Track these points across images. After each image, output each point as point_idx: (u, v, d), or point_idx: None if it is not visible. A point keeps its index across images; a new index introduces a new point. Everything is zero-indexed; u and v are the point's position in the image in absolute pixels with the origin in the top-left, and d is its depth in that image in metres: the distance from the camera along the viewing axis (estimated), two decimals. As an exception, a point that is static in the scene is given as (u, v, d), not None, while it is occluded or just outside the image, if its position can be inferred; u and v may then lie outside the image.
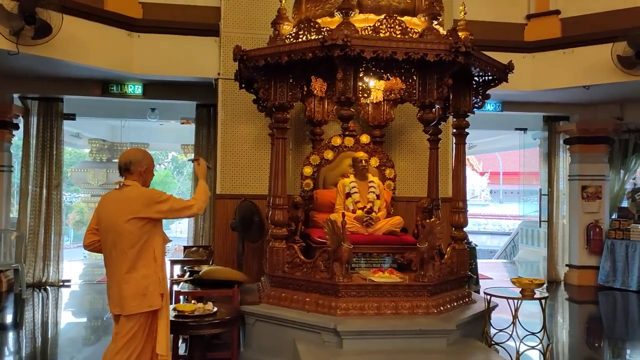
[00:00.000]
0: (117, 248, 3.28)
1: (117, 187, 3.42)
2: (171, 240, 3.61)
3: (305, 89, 5.14)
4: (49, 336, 6.12)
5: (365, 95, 5.53)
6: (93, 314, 6.91)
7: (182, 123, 9.92)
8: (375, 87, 5.72)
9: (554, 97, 8.68)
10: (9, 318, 7.05)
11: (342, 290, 4.37)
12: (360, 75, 4.55)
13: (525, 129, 10.77)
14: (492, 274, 10.19)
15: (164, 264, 3.41)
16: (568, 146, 9.71)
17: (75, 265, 10.87)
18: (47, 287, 8.32)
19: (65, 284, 8.58)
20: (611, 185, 9.58)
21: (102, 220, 3.37)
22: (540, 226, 10.56)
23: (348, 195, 5.38)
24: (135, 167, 3.38)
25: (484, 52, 4.64)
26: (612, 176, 9.58)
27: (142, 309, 3.25)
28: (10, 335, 6.33)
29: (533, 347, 4.37)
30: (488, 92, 5.08)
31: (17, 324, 6.66)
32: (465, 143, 5.09)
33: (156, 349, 3.31)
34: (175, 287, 5.15)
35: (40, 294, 8.01)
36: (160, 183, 27.68)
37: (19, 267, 7.79)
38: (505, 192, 30.96)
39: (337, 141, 5.96)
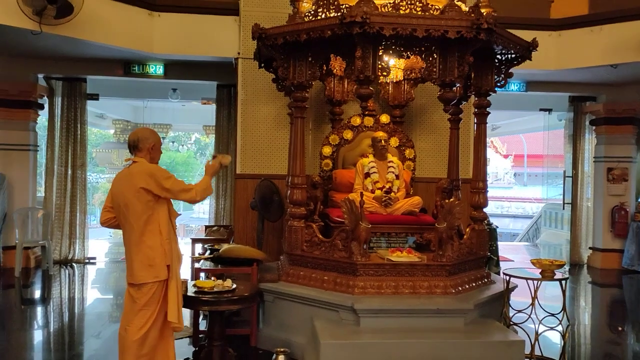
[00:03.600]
0: (127, 221, 3.48)
1: (128, 164, 3.61)
2: (180, 214, 3.72)
3: (325, 67, 5.12)
4: (76, 312, 6.29)
5: (385, 74, 5.46)
6: (118, 290, 7.07)
7: (203, 103, 9.98)
8: (395, 65, 5.65)
9: (580, 76, 8.47)
10: (37, 293, 7.27)
11: (360, 269, 4.39)
12: (380, 53, 4.50)
13: (550, 110, 10.56)
14: (514, 257, 10.10)
15: (172, 237, 3.55)
16: (594, 127, 9.51)
17: (101, 243, 11.11)
18: (74, 264, 8.54)
19: (91, 261, 8.79)
20: (638, 167, 9.36)
21: (115, 196, 3.56)
22: (563, 209, 10.41)
23: (367, 175, 5.36)
24: (143, 144, 3.55)
25: (507, 30, 4.54)
26: (639, 158, 9.36)
27: (149, 279, 3.43)
28: (39, 310, 6.53)
29: (552, 328, 4.33)
30: (511, 70, 4.99)
31: (45, 300, 6.86)
32: (487, 123, 5.02)
33: (167, 317, 3.47)
34: (196, 265, 5.24)
35: (67, 271, 8.22)
36: (182, 164, 28.00)
37: (46, 244, 8.00)
38: (530, 174, 30.48)
39: (356, 121, 5.92)
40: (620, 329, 6.30)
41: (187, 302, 3.89)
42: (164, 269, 3.46)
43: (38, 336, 5.44)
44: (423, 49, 4.38)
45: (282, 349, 4.24)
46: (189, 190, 3.56)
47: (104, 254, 9.73)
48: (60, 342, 5.16)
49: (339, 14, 4.37)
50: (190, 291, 3.96)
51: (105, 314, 6.10)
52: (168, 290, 3.49)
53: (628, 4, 7.16)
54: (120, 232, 3.66)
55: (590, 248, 9.58)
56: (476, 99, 4.97)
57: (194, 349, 4.63)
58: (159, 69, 8.32)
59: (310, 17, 4.74)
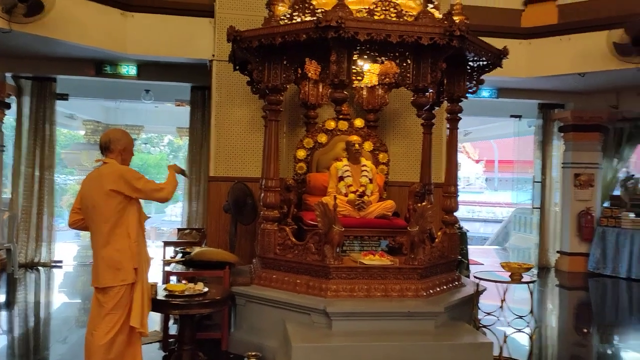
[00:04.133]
0: (94, 223, 3.45)
1: (98, 166, 3.58)
2: (149, 217, 3.70)
3: (300, 71, 5.13)
4: (42, 316, 6.14)
5: (359, 78, 5.51)
6: (86, 294, 6.92)
7: (177, 105, 9.87)
8: (369, 70, 5.70)
9: (550, 84, 8.68)
10: (1, 298, 7.07)
11: (332, 272, 4.40)
12: (355, 58, 4.54)
13: (520, 116, 10.78)
14: (484, 260, 10.26)
15: (140, 239, 3.53)
16: (562, 134, 9.75)
17: (69, 246, 10.87)
18: (39, 267, 8.33)
19: (58, 264, 8.60)
20: (604, 173, 9.63)
21: (83, 198, 3.53)
22: (532, 213, 10.62)
23: (341, 178, 5.38)
24: (114, 145, 3.53)
25: (479, 38, 4.62)
26: (605, 164, 9.62)
27: (115, 282, 3.40)
28: (3, 315, 6.34)
29: (520, 330, 4.41)
30: (483, 77, 5.08)
31: (10, 304, 6.67)
32: (458, 128, 5.10)
33: (130, 322, 3.44)
34: (167, 268, 5.17)
35: (33, 274, 8.02)
36: (155, 166, 27.61)
37: (11, 246, 7.79)
38: (500, 179, 30.97)
39: (331, 125, 5.95)
40: (586, 331, 6.45)
41: (157, 306, 3.84)
42: (131, 272, 3.43)
43: (2, 341, 5.28)
44: (397, 54, 4.43)
45: (253, 353, 4.22)
46: (161, 189, 3.57)
47: (72, 257, 9.52)
48: (25, 347, 5.03)
49: (314, 18, 4.39)
50: (161, 295, 3.92)
51: (72, 319, 5.97)
52: (134, 293, 3.46)
53: (595, 14, 7.38)
54: (89, 234, 3.60)
55: (557, 252, 9.79)
56: (448, 104, 5.04)
57: (163, 353, 4.57)
58: (132, 70, 8.20)
59: (286, 21, 4.75)
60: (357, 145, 5.48)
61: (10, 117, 8.71)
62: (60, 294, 7.43)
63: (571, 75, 7.85)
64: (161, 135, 25.32)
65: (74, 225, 3.64)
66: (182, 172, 3.91)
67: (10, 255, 7.84)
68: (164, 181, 3.70)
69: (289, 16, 4.82)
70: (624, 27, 6.87)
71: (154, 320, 4.91)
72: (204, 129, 8.60)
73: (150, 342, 4.83)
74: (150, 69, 8.20)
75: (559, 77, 8.03)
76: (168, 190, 3.60)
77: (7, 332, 5.59)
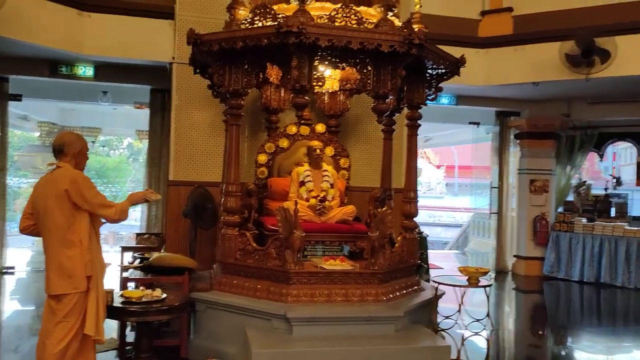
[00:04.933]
0: (46, 228, 3.37)
1: (51, 169, 3.48)
2: (104, 223, 3.59)
3: (261, 75, 5.11)
4: (-8, 324, 5.91)
5: (321, 84, 5.53)
6: (39, 302, 6.66)
7: (136, 107, 9.68)
8: (331, 76, 5.72)
9: (506, 92, 8.93)
10: (-53, 306, 6.77)
11: (293, 277, 4.39)
12: (316, 63, 4.55)
13: (478, 123, 11.03)
14: (444, 264, 10.43)
15: (94, 246, 3.45)
16: (518, 141, 10.02)
17: (22, 252, 10.48)
18: (-10, 273, 8.02)
19: (9, 270, 8.28)
20: (558, 179, 9.95)
21: (35, 202, 3.44)
22: (490, 218, 10.87)
23: (302, 183, 5.39)
24: (68, 149, 3.44)
25: (438, 46, 4.72)
26: (559, 171, 9.95)
27: (67, 290, 3.32)
28: (-51, 324, 6.08)
29: (477, 334, 4.51)
30: (441, 85, 5.18)
31: (-44, 312, 6.40)
32: (418, 134, 5.19)
33: (85, 329, 3.36)
34: (125, 274, 5.06)
35: (-18, 281, 7.70)
36: (114, 169, 26.98)
37: (-40, 253, 7.47)
38: (460, 185, 31.61)
39: (292, 129, 5.95)
40: (541, 332, 6.64)
41: (114, 313, 3.76)
42: (83, 280, 3.35)
43: (-52, 352, 5.06)
44: (358, 60, 4.47)
45: (213, 359, 4.18)
46: (110, 206, 3.45)
47: (25, 263, 9.19)
48: (-28, 358, 4.83)
49: (275, 23, 4.39)
50: (117, 301, 3.83)
51: (24, 327, 5.77)
52: (88, 301, 3.38)
53: (548, 26, 7.64)
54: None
55: (514, 256, 10.04)
56: (408, 111, 5.12)
57: (120, 361, 4.47)
58: (89, 71, 7.99)
59: (247, 25, 4.73)
60: (318, 151, 5.50)
61: (-41, 118, 8.35)
62: (12, 301, 7.16)
63: (526, 84, 8.10)
64: (120, 137, 24.77)
65: (25, 230, 3.53)
66: (145, 200, 3.77)
67: (-43, 262, 7.51)
68: (119, 199, 3.61)
69: (250, 20, 4.80)
70: (574, 39, 7.14)
71: (111, 327, 4.79)
72: (164, 132, 8.45)
73: (107, 350, 4.71)
74: (108, 71, 8.00)
75: (515, 85, 8.27)
76: (116, 211, 3.45)
77: (-47, 342, 5.36)
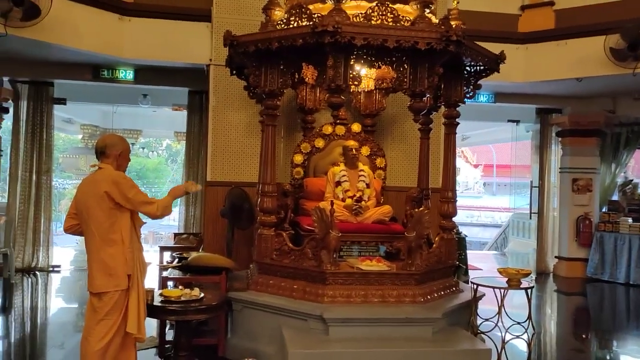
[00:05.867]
0: (88, 228, 3.43)
1: (94, 170, 3.56)
2: (145, 223, 3.67)
3: (297, 75, 5.11)
4: (39, 321, 6.11)
5: (356, 83, 5.48)
6: (83, 299, 6.87)
7: (174, 109, 9.87)
8: (366, 75, 5.69)
9: (547, 89, 8.69)
10: (-3, 302, 7.04)
11: (329, 277, 4.38)
12: (351, 62, 4.52)
13: (517, 121, 10.79)
14: (482, 265, 10.24)
15: (135, 245, 3.51)
16: (560, 139, 9.75)
17: (66, 251, 10.82)
18: (37, 272, 8.30)
19: (55, 269, 8.56)
20: (602, 178, 9.63)
21: (78, 203, 3.51)
22: (530, 218, 10.61)
23: (338, 183, 5.37)
24: (110, 150, 3.51)
25: (476, 43, 4.62)
26: (603, 169, 9.63)
27: (108, 288, 3.38)
28: (0, 320, 6.32)
29: (518, 337, 4.39)
30: (480, 82, 5.07)
31: (6, 309, 6.64)
32: (456, 133, 5.09)
33: (127, 328, 3.42)
34: (164, 273, 5.15)
35: (30, 279, 7.99)
36: (153, 170, 27.60)
37: (8, 251, 7.76)
38: (499, 184, 31.00)
39: (328, 129, 5.94)
40: (584, 336, 6.44)
41: (153, 311, 3.82)
42: (124, 278, 3.41)
43: (-2, 347, 5.26)
44: (394, 59, 4.42)
45: (250, 359, 4.20)
46: (151, 203, 3.51)
47: (69, 262, 9.48)
48: (21, 352, 5.01)
49: (310, 22, 4.38)
50: (157, 300, 3.90)
51: (69, 324, 5.94)
52: (129, 300, 3.44)
53: (592, 19, 7.39)
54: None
55: (556, 257, 9.77)
56: (446, 109, 5.04)
57: (160, 359, 4.54)
58: (129, 74, 8.19)
59: (283, 26, 4.74)
60: (354, 150, 5.47)
61: (7, 121, 8.70)
62: (57, 298, 7.39)
63: (568, 80, 7.85)
64: (159, 139, 25.30)
65: (70, 230, 3.62)
66: (186, 192, 3.85)
67: (7, 260, 7.81)
68: (160, 198, 3.66)
69: (285, 21, 4.81)
70: (620, 32, 6.88)
71: (151, 325, 4.88)
72: (201, 133, 8.58)
73: (147, 348, 4.80)
74: (148, 74, 8.19)
75: (557, 82, 8.04)
76: (158, 206, 3.51)
77: (3, 337, 5.56)
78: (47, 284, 7.90)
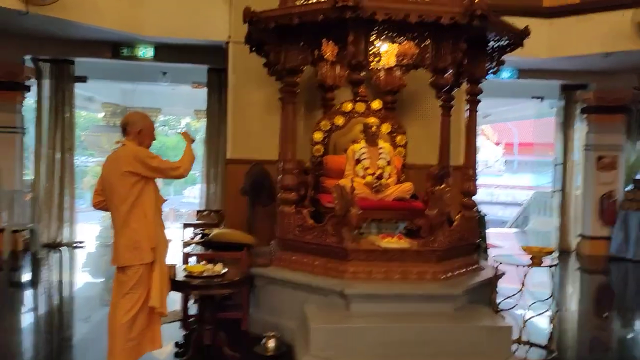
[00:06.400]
0: (113, 204, 3.51)
1: (117, 147, 3.62)
2: (166, 200, 3.74)
3: (317, 52, 5.07)
4: (65, 295, 6.26)
5: (377, 59, 5.43)
6: (109, 274, 7.03)
7: (194, 87, 9.87)
8: (387, 51, 5.60)
9: (572, 64, 8.48)
10: (25, 277, 7.23)
11: (350, 254, 4.40)
12: (372, 38, 4.48)
13: (541, 98, 10.56)
14: (503, 243, 10.17)
15: (157, 221, 3.57)
16: (585, 115, 9.54)
17: (91, 227, 11.03)
18: (62, 247, 8.49)
19: (80, 244, 8.75)
20: (627, 155, 9.44)
21: (103, 179, 3.59)
22: (552, 196, 10.47)
23: (358, 161, 5.35)
24: (131, 127, 3.57)
25: (500, 17, 4.52)
26: (629, 147, 9.43)
27: (132, 262, 3.45)
28: (28, 293, 6.49)
29: (540, 314, 4.38)
30: (503, 58, 4.98)
31: (34, 283, 6.83)
32: (478, 110, 5.03)
33: (149, 302, 3.49)
34: (186, 249, 5.23)
35: (56, 254, 8.18)
36: (173, 149, 27.74)
37: (34, 227, 7.94)
38: (520, 162, 30.62)
39: (348, 107, 5.90)
40: (606, 315, 6.39)
41: (177, 286, 3.89)
42: (149, 252, 3.48)
43: (27, 319, 5.42)
44: (416, 34, 4.36)
45: (272, 333, 4.28)
46: (177, 167, 3.61)
47: (94, 238, 9.68)
48: (49, 325, 5.15)
49: (331, -3, 4.32)
50: (180, 276, 3.96)
51: (95, 298, 6.09)
52: (153, 273, 3.50)
53: (619, -8, 7.16)
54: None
55: (578, 235, 9.66)
56: (468, 85, 4.96)
57: (184, 332, 4.64)
58: (149, 52, 8.20)
59: (303, 1, 4.68)
60: (374, 128, 5.44)
61: (30, 99, 8.81)
62: (83, 273, 7.57)
63: (594, 56, 7.65)
64: (179, 117, 25.38)
65: (98, 206, 3.70)
66: (192, 140, 3.88)
67: (33, 236, 8.00)
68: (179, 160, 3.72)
69: (306, -4, 4.75)
70: (649, 5, 6.66)
71: (174, 300, 4.97)
72: (221, 111, 8.59)
73: (171, 322, 4.90)
74: (167, 51, 8.19)
75: (582, 57, 7.84)
76: (184, 167, 3.64)
77: (31, 310, 5.72)
78: (72, 259, 8.08)
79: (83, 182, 20.03)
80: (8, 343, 4.65)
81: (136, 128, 3.56)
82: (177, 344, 4.32)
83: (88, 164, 22.76)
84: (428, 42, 4.35)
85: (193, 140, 3.88)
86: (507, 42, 4.78)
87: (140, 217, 3.47)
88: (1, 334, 4.85)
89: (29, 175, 9.04)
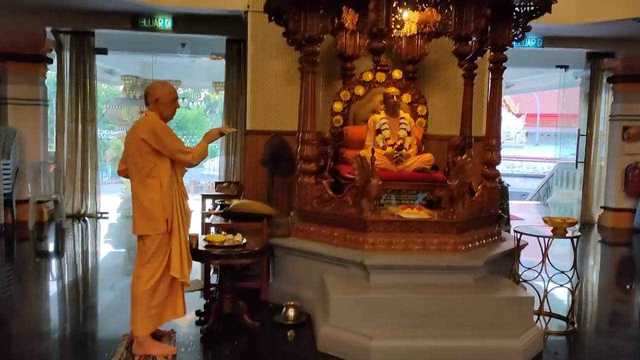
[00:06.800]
0: (131, 172, 3.56)
1: (140, 117, 3.65)
2: (187, 170, 3.71)
3: (337, 21, 4.99)
4: (90, 264, 6.40)
5: (398, 27, 5.31)
6: (131, 245, 7.16)
7: (213, 58, 9.83)
8: (409, 19, 5.48)
9: (600, 31, 8.20)
10: (51, 246, 7.41)
11: (370, 225, 4.38)
12: (394, 5, 4.37)
13: (566, 67, 10.29)
14: (524, 215, 10.09)
15: (175, 192, 3.57)
16: (611, 85, 9.29)
17: (113, 199, 11.22)
18: (86, 218, 8.65)
19: (104, 215, 8.90)
20: (655, 126, 9.20)
21: (125, 147, 3.64)
22: (576, 168, 10.29)
23: (378, 131, 5.30)
24: (149, 97, 3.57)
25: (526, -19, 4.37)
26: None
27: (148, 231, 3.50)
28: (53, 263, 6.65)
29: (562, 285, 4.34)
30: (529, 24, 4.82)
31: (59, 252, 6.99)
32: (502, 79, 4.90)
33: (170, 271, 3.55)
34: (206, 220, 5.27)
35: (80, 225, 8.34)
36: (193, 121, 27.88)
37: (58, 198, 8.09)
38: (542, 134, 30.08)
39: (368, 76, 5.81)
40: (628, 287, 6.32)
41: (198, 256, 3.93)
42: (163, 223, 3.50)
43: (53, 287, 5.56)
44: (438, 0, 4.24)
45: (292, 303, 4.32)
46: (187, 152, 3.55)
47: (116, 210, 9.84)
48: (75, 293, 5.28)
49: (352, -37, 4.22)
50: (201, 245, 4.00)
51: (118, 267, 6.21)
52: (172, 245, 3.54)
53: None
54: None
55: (601, 207, 9.52)
56: (492, 53, 4.83)
57: (205, 301, 4.71)
58: (168, 23, 8.17)
59: (323, -33, 4.58)
60: (395, 98, 5.36)
61: (52, 72, 8.87)
62: (106, 243, 7.71)
63: (624, 22, 7.39)
64: (198, 90, 25.41)
65: (122, 174, 3.76)
66: (221, 134, 3.81)
67: (57, 207, 8.16)
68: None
69: (326, -38, 4.64)
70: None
71: (196, 269, 5.04)
72: (240, 83, 8.56)
73: (193, 291, 4.99)
74: (186, 22, 8.15)
75: (611, 23, 7.57)
76: (194, 155, 3.56)
77: (57, 279, 5.87)
78: (96, 230, 8.23)
79: (105, 155, 20.27)
80: (36, 310, 4.79)
81: (153, 97, 3.55)
82: (198, 313, 4.39)
83: (110, 137, 23.03)
84: (451, 8, 4.23)
85: (231, 132, 3.85)
86: (533, 7, 4.62)
87: (155, 188, 3.49)
88: (29, 301, 4.99)
89: (51, 148, 9.17)
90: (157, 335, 3.77)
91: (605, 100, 9.53)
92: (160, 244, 3.52)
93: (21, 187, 8.12)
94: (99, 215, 8.85)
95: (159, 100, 3.55)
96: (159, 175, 3.50)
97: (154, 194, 3.48)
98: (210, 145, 3.71)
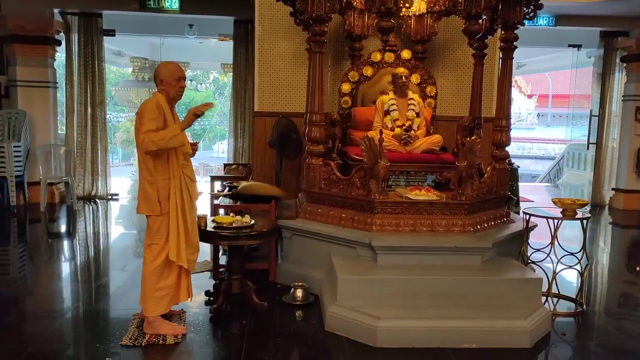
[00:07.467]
0: (136, 152, 3.53)
1: None
2: (192, 154, 3.69)
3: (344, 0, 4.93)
4: (101, 245, 6.47)
5: (407, 5, 5.24)
6: (141, 226, 7.22)
7: (220, 40, 9.79)
8: (418, -3, 5.41)
9: (614, 9, 8.05)
10: (62, 228, 7.49)
11: (377, 206, 4.38)
12: (403, -17, 4.30)
13: (579, 46, 10.14)
14: (534, 197, 10.03)
15: (167, 174, 3.52)
16: (625, 64, 9.13)
17: (123, 181, 11.29)
18: (97, 200, 8.73)
19: (114, 197, 8.97)
20: (669, 106, 9.06)
21: None
22: (588, 149, 10.19)
23: (387, 112, 5.26)
24: (155, 78, 3.59)
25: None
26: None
27: (146, 212, 3.56)
28: (65, 244, 6.73)
29: (571, 267, 4.32)
30: (541, 1, 4.73)
31: (70, 234, 7.06)
32: (513, 58, 4.82)
33: (168, 255, 3.58)
34: (215, 201, 5.29)
35: (91, 206, 8.42)
36: (202, 103, 27.81)
37: (69, 180, 8.16)
38: (554, 115, 29.74)
39: (376, 57, 5.76)
40: (638, 269, 6.28)
41: (207, 236, 3.96)
42: (157, 205, 3.52)
43: (65, 268, 5.63)
44: (448, -22, 4.17)
45: (300, 283, 4.35)
46: (143, 135, 3.34)
47: (126, 192, 9.91)
48: (86, 273, 5.34)
49: (360, -60, 4.15)
50: (210, 226, 4.02)
51: (129, 248, 6.26)
52: (169, 228, 3.56)
53: None
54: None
55: (613, 189, 9.44)
56: (503, 32, 4.76)
57: (214, 282, 4.76)
58: (175, 4, 8.13)
59: (330, -55, 4.51)
60: (404, 78, 5.31)
61: (61, 54, 8.88)
62: (117, 225, 7.78)
63: (638, 0, 7.24)
64: (206, 72, 25.31)
65: None
66: (196, 115, 3.54)
67: (68, 188, 8.23)
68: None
69: (333, -60, 4.57)
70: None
71: (204, 251, 5.08)
72: (248, 64, 8.53)
73: (201, 271, 5.03)
74: (193, 2, 8.11)
75: (625, 1, 7.44)
76: (149, 140, 3.33)
77: (69, 259, 5.94)
78: (107, 211, 8.31)
79: (115, 137, 20.33)
80: (49, 290, 4.86)
81: (159, 78, 3.55)
82: (207, 293, 4.43)
83: (120, 119, 23.10)
84: (461, -14, 4.16)
85: (208, 108, 3.63)
86: (545, -15, 4.54)
87: (150, 169, 3.52)
88: (42, 281, 5.07)
89: (61, 130, 9.23)
90: (168, 315, 3.81)
91: (619, 80, 9.40)
92: (161, 225, 3.56)
93: (32, 169, 8.20)
94: (110, 197, 8.93)
95: (164, 80, 3.53)
96: (158, 155, 3.49)
97: (152, 177, 3.52)
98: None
